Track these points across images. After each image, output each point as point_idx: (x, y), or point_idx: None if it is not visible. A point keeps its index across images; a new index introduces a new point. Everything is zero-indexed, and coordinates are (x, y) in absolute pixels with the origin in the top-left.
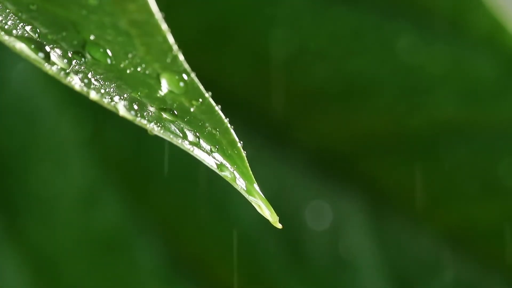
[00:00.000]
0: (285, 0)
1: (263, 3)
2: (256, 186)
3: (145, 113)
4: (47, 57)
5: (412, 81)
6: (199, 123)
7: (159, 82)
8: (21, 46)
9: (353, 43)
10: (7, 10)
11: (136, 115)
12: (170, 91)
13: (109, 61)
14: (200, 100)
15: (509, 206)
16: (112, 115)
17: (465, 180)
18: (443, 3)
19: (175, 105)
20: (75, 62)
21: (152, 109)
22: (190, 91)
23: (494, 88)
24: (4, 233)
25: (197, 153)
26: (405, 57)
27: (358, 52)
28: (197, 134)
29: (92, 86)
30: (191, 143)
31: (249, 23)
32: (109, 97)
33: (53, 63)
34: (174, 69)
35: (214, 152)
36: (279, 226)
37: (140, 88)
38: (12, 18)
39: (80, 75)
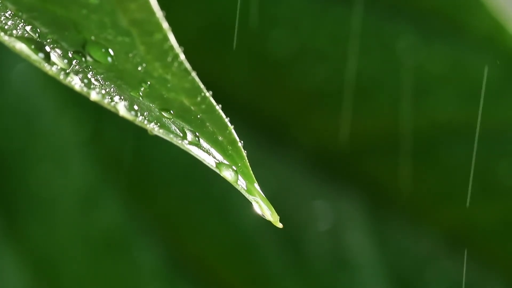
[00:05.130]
0: (285, 0)
1: (263, 3)
2: (256, 185)
3: (145, 113)
4: (47, 57)
5: (412, 81)
6: (199, 123)
7: (160, 82)
8: (21, 46)
9: (353, 43)
10: (7, 10)
11: (136, 115)
12: (170, 91)
13: (109, 60)
14: (201, 99)
15: (509, 206)
16: (112, 115)
17: (465, 180)
18: (443, 3)
19: (175, 105)
20: (75, 62)
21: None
22: (191, 91)
23: (494, 89)
24: (4, 233)
25: (197, 153)
26: (405, 58)
27: (358, 52)
28: (197, 134)
29: (92, 86)
30: (191, 143)
31: (249, 23)
32: (109, 97)
33: (53, 63)
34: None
35: (215, 152)
36: (280, 225)
37: (140, 88)
38: (12, 18)
39: (80, 75)
